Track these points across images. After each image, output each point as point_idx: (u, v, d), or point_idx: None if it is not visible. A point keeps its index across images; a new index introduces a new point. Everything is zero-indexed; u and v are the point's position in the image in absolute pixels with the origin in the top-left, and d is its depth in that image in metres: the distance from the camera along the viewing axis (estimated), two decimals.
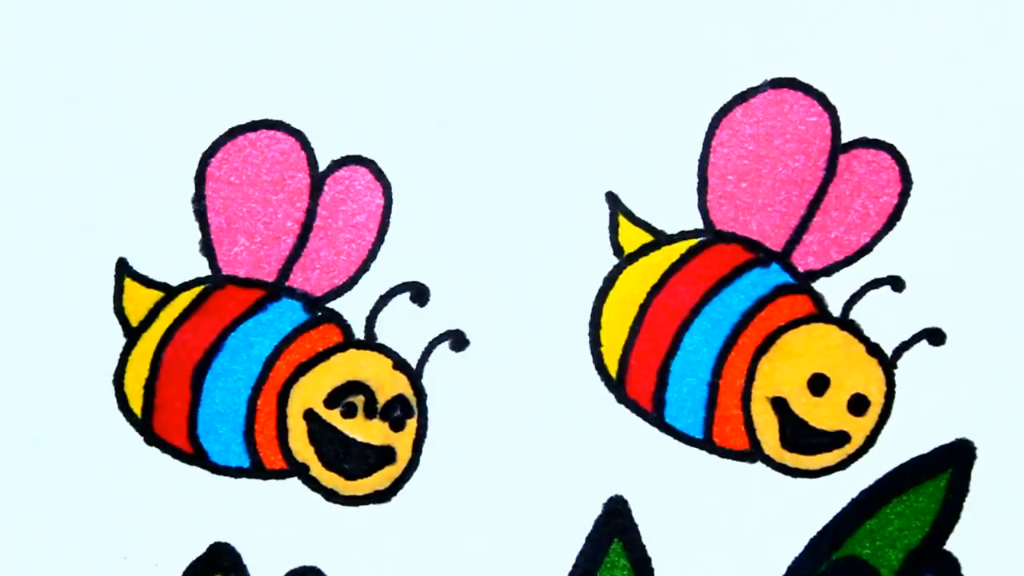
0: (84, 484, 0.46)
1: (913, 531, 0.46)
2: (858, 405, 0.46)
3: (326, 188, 0.46)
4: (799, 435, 0.46)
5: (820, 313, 0.46)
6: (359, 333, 0.46)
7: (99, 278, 0.46)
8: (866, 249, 0.46)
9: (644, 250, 0.46)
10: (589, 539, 0.46)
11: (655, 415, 0.46)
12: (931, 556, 0.46)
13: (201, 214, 0.45)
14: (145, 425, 0.45)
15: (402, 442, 0.46)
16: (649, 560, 0.46)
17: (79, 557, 0.47)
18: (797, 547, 0.46)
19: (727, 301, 0.46)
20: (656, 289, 0.46)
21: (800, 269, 0.46)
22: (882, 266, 0.46)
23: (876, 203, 0.47)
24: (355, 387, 0.46)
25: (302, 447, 0.45)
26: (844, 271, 0.46)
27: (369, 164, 0.46)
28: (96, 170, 0.46)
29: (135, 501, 0.46)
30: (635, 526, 0.46)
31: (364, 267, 0.46)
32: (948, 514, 0.46)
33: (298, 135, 0.46)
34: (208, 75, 0.46)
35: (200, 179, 0.46)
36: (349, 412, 0.46)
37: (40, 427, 0.46)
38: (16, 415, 0.46)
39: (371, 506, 0.46)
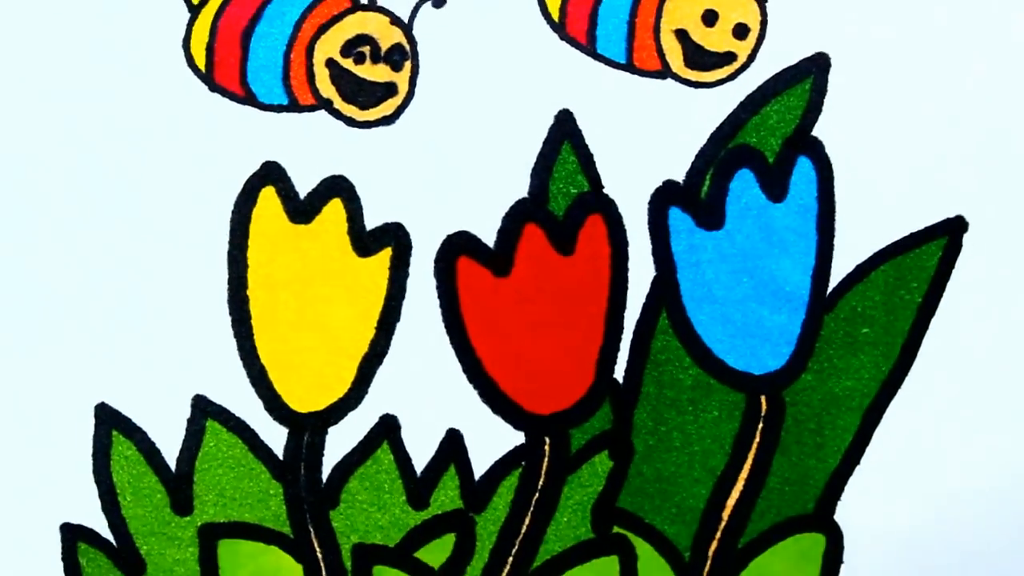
0: (165, 130, 0.46)
1: (787, 123, 0.46)
2: (740, 32, 0.46)
3: None
4: (698, 56, 0.46)
5: None
6: None
7: None
8: None
9: None
10: (546, 142, 0.46)
11: (589, 48, 0.46)
12: (802, 141, 0.46)
13: None
14: (208, 77, 0.45)
15: (401, 79, 0.46)
16: (591, 155, 0.46)
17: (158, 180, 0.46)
18: (701, 140, 0.47)
19: None
20: None
21: None
22: None
23: None
24: (363, 39, 0.45)
25: (326, 87, 0.45)
26: None
27: None
28: None
29: (201, 135, 0.46)
30: (579, 130, 0.46)
31: None
32: (813, 109, 0.46)
33: None
34: None
35: None
36: (359, 59, 0.45)
37: (130, 97, 0.46)
38: (102, 70, 0.45)
39: (380, 128, 0.46)
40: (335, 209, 0.46)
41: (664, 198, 0.46)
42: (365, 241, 0.46)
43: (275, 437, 0.48)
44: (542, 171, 0.46)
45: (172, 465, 0.48)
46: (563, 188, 0.47)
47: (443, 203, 0.46)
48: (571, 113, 0.46)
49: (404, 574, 0.48)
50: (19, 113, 0.46)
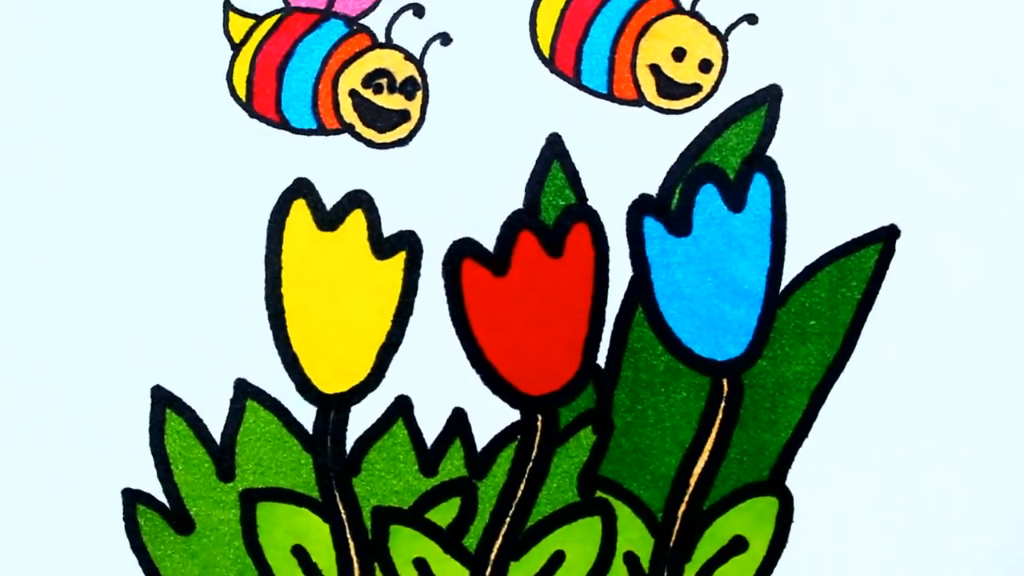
0: (212, 151, 0.48)
1: (745, 144, 0.48)
2: (705, 67, 0.48)
3: None
4: (668, 88, 0.49)
5: (677, 8, 0.49)
6: (381, 38, 0.48)
7: (211, 13, 0.48)
8: None
9: None
10: (538, 161, 0.48)
11: (575, 80, 0.48)
12: (758, 160, 0.49)
13: None
14: (248, 105, 0.48)
15: (413, 107, 0.48)
16: (577, 172, 0.48)
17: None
18: (671, 159, 0.49)
19: (617, 3, 0.49)
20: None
21: None
22: None
23: None
24: (381, 73, 0.48)
25: (349, 114, 0.48)
26: None
27: None
28: None
29: (242, 155, 0.48)
30: (567, 151, 0.48)
31: None
32: (767, 132, 0.49)
33: None
34: None
35: None
36: (378, 90, 0.48)
37: (182, 123, 0.48)
38: (156, 99, 0.48)
39: (395, 149, 0.48)
40: (357, 218, 0.49)
41: (640, 209, 0.49)
42: (382, 246, 0.49)
43: (305, 415, 0.50)
44: (535, 186, 0.49)
45: (217, 438, 0.50)
46: (553, 200, 0.49)
47: (449, 213, 0.49)
48: (560, 136, 0.48)
49: (416, 532, 0.51)
50: (96, 135, 0.49)
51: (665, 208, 0.49)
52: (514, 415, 0.50)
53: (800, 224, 0.49)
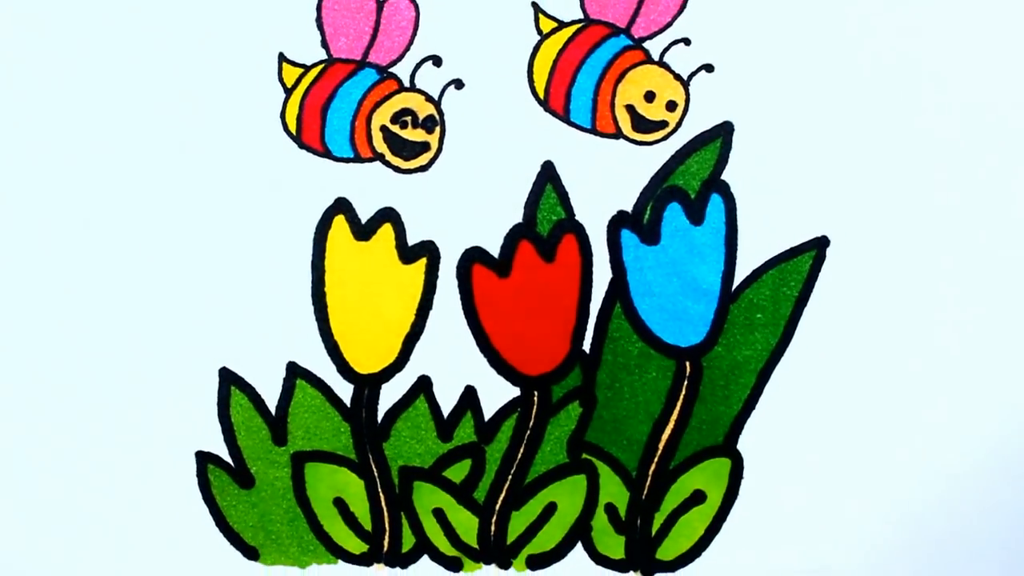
0: (268, 176, 0.52)
1: (704, 170, 0.52)
2: (671, 107, 0.53)
3: (385, 11, 0.53)
4: (641, 124, 0.53)
5: (648, 59, 0.53)
6: (407, 83, 0.53)
7: (267, 65, 0.53)
8: (669, 24, 0.53)
9: (552, 31, 0.53)
10: (535, 183, 0.53)
11: (565, 117, 0.53)
12: (715, 183, 0.53)
13: (321, 28, 0.53)
14: (298, 138, 0.52)
15: (432, 139, 0.53)
16: (567, 193, 0.53)
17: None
18: (643, 182, 0.53)
19: (599, 55, 0.53)
20: (561, 51, 0.53)
21: (636, 36, 0.53)
22: (679, 33, 0.53)
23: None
24: (406, 111, 0.52)
25: (380, 145, 0.53)
26: (658, 37, 0.53)
27: None
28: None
29: (292, 179, 0.52)
30: (558, 175, 0.53)
31: (406, 50, 0.53)
32: (722, 160, 0.52)
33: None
34: None
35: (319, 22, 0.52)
36: (404, 125, 0.52)
37: (244, 153, 0.52)
38: (225, 134, 0.52)
39: (418, 174, 0.53)
40: (386, 231, 0.53)
41: (618, 223, 0.53)
42: (407, 253, 0.53)
43: (345, 391, 0.54)
44: (532, 204, 0.53)
45: (272, 410, 0.54)
46: (547, 216, 0.53)
47: (462, 226, 0.53)
48: (552, 163, 0.53)
49: (435, 487, 0.55)
50: (178, 169, 0.54)
51: (639, 222, 0.53)
52: (515, 391, 0.55)
53: (749, 235, 0.54)
